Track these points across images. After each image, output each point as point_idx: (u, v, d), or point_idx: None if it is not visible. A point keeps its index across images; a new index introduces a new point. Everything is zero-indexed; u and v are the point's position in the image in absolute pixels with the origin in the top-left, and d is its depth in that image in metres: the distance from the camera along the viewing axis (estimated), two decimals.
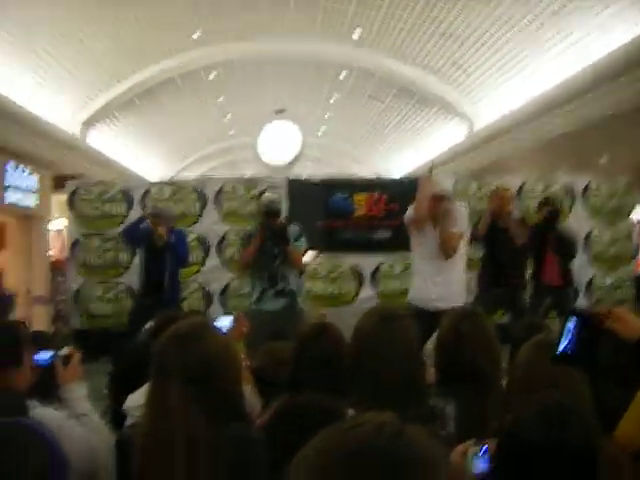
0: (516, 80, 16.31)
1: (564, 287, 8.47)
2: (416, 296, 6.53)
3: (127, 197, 9.65)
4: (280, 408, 2.54)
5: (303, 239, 7.01)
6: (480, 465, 2.16)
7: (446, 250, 6.45)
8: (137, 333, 5.17)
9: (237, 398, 2.39)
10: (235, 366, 2.43)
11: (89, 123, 19.12)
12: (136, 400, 2.99)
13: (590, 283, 10.03)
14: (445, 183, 6.85)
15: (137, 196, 9.66)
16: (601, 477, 2.12)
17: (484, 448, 2.18)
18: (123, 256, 9.58)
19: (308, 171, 24.91)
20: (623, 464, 2.50)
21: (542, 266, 8.31)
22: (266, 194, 7.29)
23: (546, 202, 8.66)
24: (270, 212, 6.92)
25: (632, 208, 10.66)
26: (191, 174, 26.21)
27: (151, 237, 8.04)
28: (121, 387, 3.49)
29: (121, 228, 9.47)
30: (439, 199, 6.53)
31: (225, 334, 2.68)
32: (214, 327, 2.58)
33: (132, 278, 9.39)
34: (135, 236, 8.29)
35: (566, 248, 8.41)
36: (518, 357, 2.75)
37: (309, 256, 8.81)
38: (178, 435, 2.18)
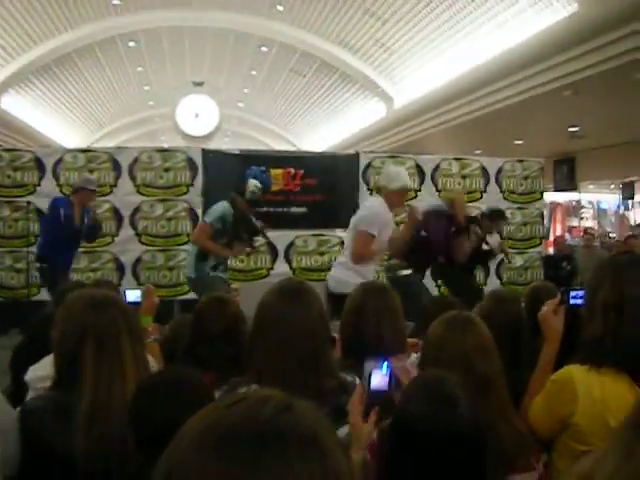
0: (437, 61, 16.46)
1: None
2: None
3: (39, 165, 9.41)
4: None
5: None
6: (379, 381, 2.22)
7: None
8: None
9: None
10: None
11: (2, 88, 18.55)
12: (38, 372, 2.93)
13: (500, 263, 10.22)
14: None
15: (50, 164, 9.42)
16: (497, 456, 2.17)
17: (386, 363, 2.23)
18: (34, 225, 9.34)
19: (227, 145, 24.69)
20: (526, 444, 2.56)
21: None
22: (249, 180, 7.18)
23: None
24: (253, 202, 6.99)
25: (543, 190, 10.90)
26: (110, 144, 25.68)
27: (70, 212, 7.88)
28: (24, 359, 3.41)
29: (32, 197, 9.28)
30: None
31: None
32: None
33: None
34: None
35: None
36: (429, 333, 2.77)
37: None
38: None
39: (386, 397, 2.25)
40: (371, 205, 6.56)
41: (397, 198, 6.42)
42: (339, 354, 3.12)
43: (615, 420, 2.42)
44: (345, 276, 6.23)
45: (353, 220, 6.43)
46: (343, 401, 2.55)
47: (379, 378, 2.26)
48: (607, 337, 2.56)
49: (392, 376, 2.25)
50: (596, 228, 19.81)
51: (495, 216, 8.28)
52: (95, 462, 2.28)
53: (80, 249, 8.80)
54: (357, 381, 2.70)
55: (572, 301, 2.98)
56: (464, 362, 2.51)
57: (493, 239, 8.29)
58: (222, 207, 6.89)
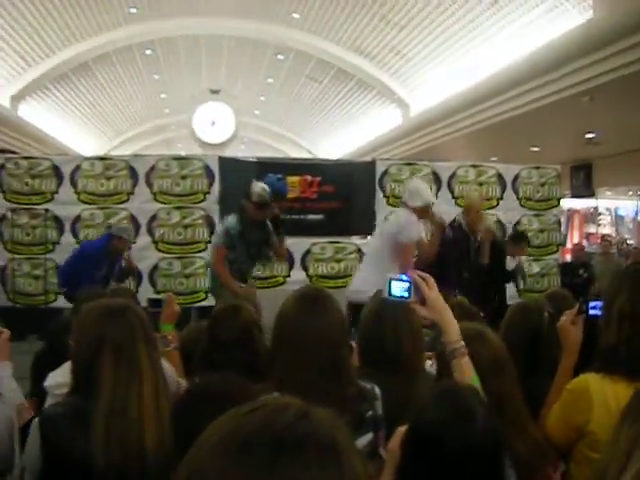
0: (453, 68, 16.45)
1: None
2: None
3: (57, 172, 9.46)
4: (187, 389, 2.55)
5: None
6: (399, 287, 2.34)
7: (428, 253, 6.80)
8: None
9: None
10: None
11: (20, 96, 18.69)
12: (57, 378, 2.95)
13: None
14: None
15: (68, 171, 9.48)
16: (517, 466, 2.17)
17: (405, 276, 2.34)
18: (52, 233, 9.39)
19: (243, 152, 24.77)
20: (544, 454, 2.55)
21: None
22: (255, 183, 7.15)
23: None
24: (264, 204, 6.76)
25: (560, 197, 10.86)
26: (126, 152, 25.77)
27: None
28: (44, 366, 3.44)
29: (49, 205, 9.35)
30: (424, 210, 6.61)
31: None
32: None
33: (61, 255, 9.24)
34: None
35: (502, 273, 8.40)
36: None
37: None
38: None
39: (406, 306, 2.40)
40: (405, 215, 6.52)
41: (418, 214, 6.45)
42: (357, 362, 3.13)
43: None
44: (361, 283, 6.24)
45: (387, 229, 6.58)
46: (363, 409, 2.55)
47: (399, 285, 2.36)
48: (621, 346, 2.58)
49: (411, 283, 2.29)
50: (614, 235, 19.71)
51: (519, 239, 8.36)
52: (113, 466, 2.30)
53: None
54: (376, 389, 2.70)
55: (591, 312, 2.96)
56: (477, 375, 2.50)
57: (514, 262, 8.33)
58: (225, 222, 6.94)
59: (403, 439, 2.06)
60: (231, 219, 6.85)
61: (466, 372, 2.32)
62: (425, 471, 1.92)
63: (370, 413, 2.61)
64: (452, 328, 2.37)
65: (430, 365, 3.35)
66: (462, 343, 2.35)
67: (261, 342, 3.17)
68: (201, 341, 3.34)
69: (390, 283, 2.40)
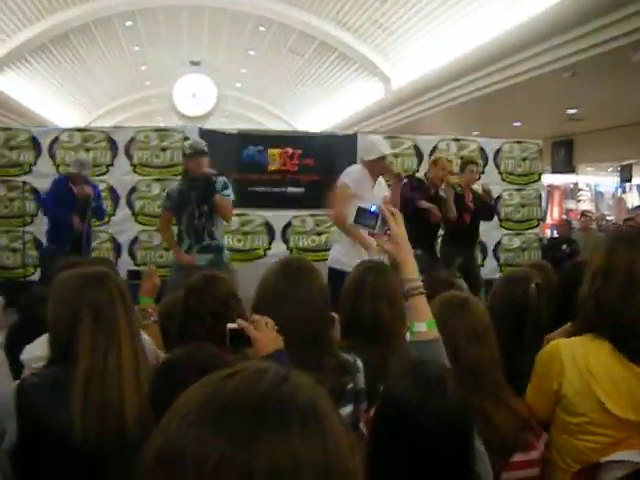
0: (435, 42, 16.38)
1: (472, 245, 8.86)
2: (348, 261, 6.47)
3: (35, 144, 9.37)
4: (163, 360, 2.51)
5: (230, 190, 6.82)
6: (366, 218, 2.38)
7: None
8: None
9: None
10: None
11: None
12: (34, 351, 2.91)
13: (498, 244, 10.24)
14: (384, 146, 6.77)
15: (46, 143, 9.39)
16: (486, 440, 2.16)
17: (375, 206, 2.38)
18: (30, 205, 9.32)
19: (224, 125, 24.63)
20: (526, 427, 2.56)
21: (459, 226, 8.33)
22: (186, 142, 7.08)
23: (470, 161, 8.80)
24: (197, 152, 6.61)
25: (541, 172, 10.88)
26: (106, 124, 25.54)
27: (72, 195, 8.06)
28: (18, 339, 3.40)
29: (27, 178, 9.27)
30: (394, 173, 6.66)
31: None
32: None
33: (39, 228, 9.19)
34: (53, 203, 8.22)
35: (484, 210, 8.62)
36: None
37: None
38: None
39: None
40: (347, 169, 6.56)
41: (376, 167, 6.40)
42: (339, 334, 3.12)
43: (601, 389, 2.45)
44: (341, 255, 6.21)
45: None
46: (344, 381, 2.54)
47: (366, 215, 2.38)
48: (588, 301, 2.60)
49: (379, 215, 2.30)
50: (593, 211, 19.81)
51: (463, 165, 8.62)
52: (91, 437, 2.26)
53: None
54: (358, 361, 2.69)
55: None
56: (454, 347, 2.49)
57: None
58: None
59: (372, 416, 2.06)
60: (173, 185, 6.90)
61: (422, 311, 2.29)
62: (396, 447, 1.90)
63: (351, 385, 2.60)
64: (411, 266, 2.35)
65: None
66: (420, 283, 2.33)
67: (238, 312, 3.14)
68: (177, 313, 3.32)
69: (358, 211, 2.39)
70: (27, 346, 3.04)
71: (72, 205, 8.05)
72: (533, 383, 2.75)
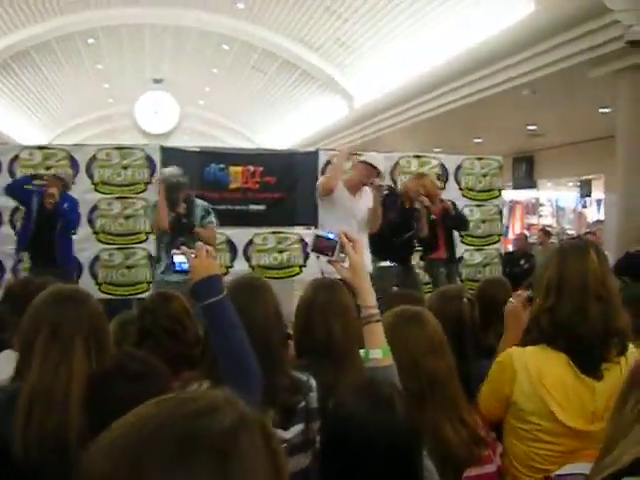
0: (396, 60, 16.52)
1: (452, 260, 9.21)
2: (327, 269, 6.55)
3: None
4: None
5: (212, 215, 7.16)
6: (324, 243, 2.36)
7: (376, 222, 6.85)
8: None
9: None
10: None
11: None
12: None
13: (460, 260, 10.29)
14: (380, 162, 6.92)
15: (5, 161, 9.29)
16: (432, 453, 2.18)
17: (331, 234, 2.36)
18: None
19: (187, 143, 24.61)
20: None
21: (434, 241, 8.76)
22: (166, 168, 7.33)
23: (423, 175, 9.06)
24: (172, 186, 6.94)
25: (502, 188, 10.98)
26: (69, 141, 25.35)
27: (41, 198, 8.02)
28: None
29: None
30: (374, 172, 6.75)
31: None
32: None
33: (1, 248, 9.11)
34: (19, 191, 8.19)
35: (457, 223, 9.07)
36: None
37: None
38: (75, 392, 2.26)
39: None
40: None
41: (362, 172, 6.73)
42: (293, 353, 3.13)
43: (550, 397, 2.49)
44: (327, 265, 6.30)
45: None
46: (295, 400, 2.55)
47: (324, 242, 2.37)
48: (543, 314, 2.64)
49: (337, 243, 2.32)
50: (555, 226, 20.00)
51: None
52: (31, 455, 2.19)
53: None
54: (311, 380, 2.70)
55: None
56: (411, 360, 2.51)
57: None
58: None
59: (320, 433, 2.07)
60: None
61: (377, 339, 2.31)
62: (342, 464, 1.90)
63: (302, 404, 2.61)
64: (368, 294, 2.36)
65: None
66: (376, 311, 2.35)
67: (192, 330, 3.14)
68: (131, 333, 3.31)
69: (315, 238, 2.40)
70: None
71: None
72: (486, 387, 2.80)
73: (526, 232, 18.47)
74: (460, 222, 9.16)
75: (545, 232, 14.21)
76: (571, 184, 20.43)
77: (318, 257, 2.43)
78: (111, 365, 2.30)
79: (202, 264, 2.32)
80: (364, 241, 6.76)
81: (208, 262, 2.34)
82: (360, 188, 6.88)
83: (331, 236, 2.36)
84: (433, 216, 8.64)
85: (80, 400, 2.26)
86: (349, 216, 6.66)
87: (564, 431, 2.50)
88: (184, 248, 2.39)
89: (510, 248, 13.84)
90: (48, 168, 9.27)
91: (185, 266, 2.42)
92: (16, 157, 9.30)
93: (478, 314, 3.41)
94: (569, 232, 19.10)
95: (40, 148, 9.67)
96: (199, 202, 7.28)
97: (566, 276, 2.63)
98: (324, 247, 2.38)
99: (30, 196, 8.14)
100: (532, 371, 2.57)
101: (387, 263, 8.04)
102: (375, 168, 6.76)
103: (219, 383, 2.22)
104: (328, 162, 9.91)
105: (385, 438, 1.88)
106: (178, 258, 2.47)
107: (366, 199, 6.88)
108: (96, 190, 9.36)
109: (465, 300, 3.34)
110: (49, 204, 8.03)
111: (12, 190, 8.44)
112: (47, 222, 8.08)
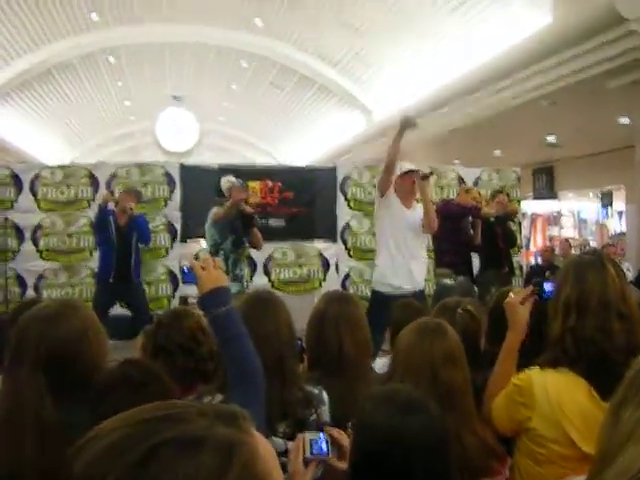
0: (415, 73, 16.52)
1: (509, 273, 9.43)
2: (384, 281, 6.56)
3: (17, 181, 9.40)
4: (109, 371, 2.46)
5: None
6: (317, 447, 2.19)
7: (432, 222, 6.69)
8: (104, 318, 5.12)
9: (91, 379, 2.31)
10: (91, 350, 2.39)
11: None
12: None
13: None
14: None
15: (27, 179, 9.42)
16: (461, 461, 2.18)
17: (321, 434, 2.22)
18: (12, 241, 9.32)
19: (208, 159, 24.72)
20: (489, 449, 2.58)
21: (496, 255, 9.04)
22: (223, 177, 7.56)
23: (499, 191, 9.42)
24: (234, 187, 7.34)
25: (520, 199, 10.96)
26: (91, 159, 25.54)
27: (115, 217, 8.23)
28: None
29: (8, 214, 9.27)
30: (418, 175, 6.83)
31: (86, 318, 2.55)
32: (76, 308, 2.52)
33: (22, 264, 9.26)
34: (103, 225, 8.31)
35: (512, 239, 9.52)
36: (399, 340, 2.78)
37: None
38: (27, 420, 2.13)
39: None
40: None
41: (407, 184, 6.77)
42: (306, 366, 3.14)
43: (570, 425, 2.44)
44: (381, 276, 6.54)
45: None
46: (306, 414, 2.56)
47: (318, 445, 2.25)
48: (566, 336, 2.58)
49: (328, 441, 2.24)
50: (577, 237, 19.88)
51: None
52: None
53: (58, 263, 8.98)
54: (323, 394, 2.71)
55: (547, 294, 2.90)
56: (431, 370, 2.52)
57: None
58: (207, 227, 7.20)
59: (350, 449, 2.07)
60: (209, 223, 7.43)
61: None
62: (373, 471, 1.91)
63: (314, 418, 2.62)
64: None
65: (382, 366, 3.36)
66: None
67: (207, 346, 3.16)
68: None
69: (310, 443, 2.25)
70: None
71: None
72: (502, 406, 2.75)
73: (548, 244, 18.41)
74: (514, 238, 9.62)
75: (567, 244, 14.14)
76: (592, 195, 20.32)
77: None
78: (112, 373, 2.31)
79: (209, 276, 2.35)
80: (422, 256, 6.77)
81: (215, 274, 2.36)
82: (412, 199, 6.81)
83: (320, 436, 2.23)
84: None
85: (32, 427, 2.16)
86: (403, 227, 6.62)
87: (584, 457, 2.45)
88: (192, 260, 2.41)
89: (532, 261, 13.78)
90: (69, 186, 9.39)
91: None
92: (37, 176, 9.44)
93: (488, 325, 3.39)
94: (591, 244, 18.99)
95: (61, 167, 9.80)
96: None
97: (586, 293, 2.58)
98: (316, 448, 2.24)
99: (107, 219, 8.21)
100: (552, 397, 2.52)
101: (449, 281, 8.02)
102: (416, 170, 6.72)
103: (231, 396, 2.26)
104: (346, 177, 9.95)
105: (421, 439, 1.90)
106: (187, 268, 2.50)
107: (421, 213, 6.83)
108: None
109: (459, 311, 3.34)
110: (128, 215, 8.23)
111: (100, 228, 8.52)
112: (124, 239, 8.20)
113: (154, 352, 3.17)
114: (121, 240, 8.19)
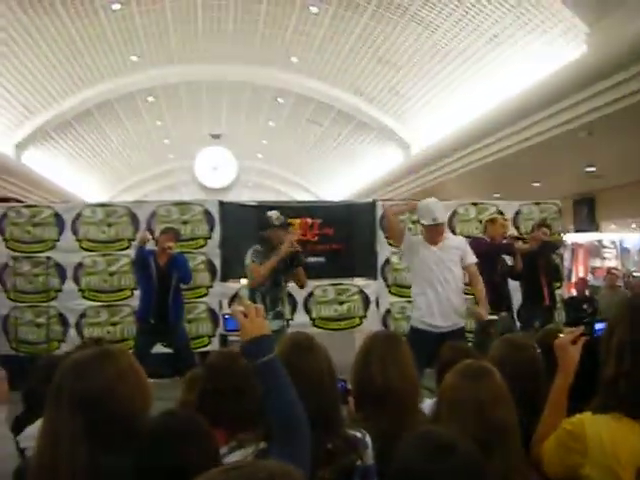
0: (452, 107, 16.55)
1: (552, 307, 9.27)
2: (423, 319, 6.53)
3: (58, 220, 9.50)
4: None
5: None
6: None
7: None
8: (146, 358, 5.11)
9: (130, 426, 2.22)
10: (129, 395, 2.30)
11: (24, 144, 18.88)
12: (32, 432, 2.88)
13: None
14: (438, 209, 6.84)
15: (69, 219, 9.52)
16: None
17: None
18: (54, 281, 9.41)
19: (246, 196, 24.90)
20: None
21: (538, 288, 8.95)
22: (268, 213, 7.52)
23: (542, 224, 9.26)
24: (283, 224, 7.22)
25: (562, 232, 10.85)
26: (131, 197, 25.86)
27: (155, 257, 8.19)
28: (24, 416, 3.39)
29: (51, 253, 9.37)
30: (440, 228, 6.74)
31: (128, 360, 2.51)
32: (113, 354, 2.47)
33: (64, 303, 9.32)
34: (144, 265, 8.27)
35: (555, 272, 9.46)
36: (444, 382, 2.75)
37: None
38: (62, 465, 2.11)
39: None
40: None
41: (430, 233, 6.61)
42: (352, 408, 3.11)
43: (626, 472, 2.35)
44: (420, 314, 6.57)
45: None
46: (352, 459, 2.52)
47: None
48: (621, 380, 2.49)
49: None
50: (620, 268, 19.63)
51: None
52: None
53: (100, 302, 9.05)
54: (367, 438, 2.67)
55: (598, 333, 2.80)
56: (479, 412, 2.48)
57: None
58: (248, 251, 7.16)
59: None
60: (250, 253, 7.14)
61: None
62: None
63: (359, 463, 2.58)
64: None
65: (430, 404, 3.31)
66: None
67: (258, 388, 3.13)
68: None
69: None
70: (28, 427, 3.02)
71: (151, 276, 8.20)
72: (553, 451, 2.66)
73: (591, 276, 18.20)
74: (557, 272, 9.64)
75: (614, 275, 13.92)
76: (635, 225, 20.09)
77: None
78: (156, 421, 2.27)
79: (252, 324, 2.32)
80: (460, 289, 6.75)
81: (258, 322, 2.34)
82: (438, 239, 6.71)
83: None
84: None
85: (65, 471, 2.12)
86: (432, 263, 6.58)
87: None
88: (234, 308, 2.39)
89: (574, 292, 13.61)
90: (110, 225, 9.48)
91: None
92: (79, 215, 9.53)
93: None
94: (635, 274, 18.73)
95: (101, 205, 9.89)
96: None
97: None
98: None
99: (147, 260, 8.23)
100: (607, 444, 2.41)
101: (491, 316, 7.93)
102: (435, 225, 6.66)
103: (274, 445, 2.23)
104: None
105: None
106: (230, 316, 2.48)
107: (450, 246, 6.78)
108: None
109: (538, 351, 3.27)
110: (167, 255, 8.19)
111: (140, 269, 8.46)
112: (164, 279, 8.20)
113: (204, 396, 3.14)
114: (162, 280, 8.17)
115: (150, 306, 8.17)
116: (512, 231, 9.40)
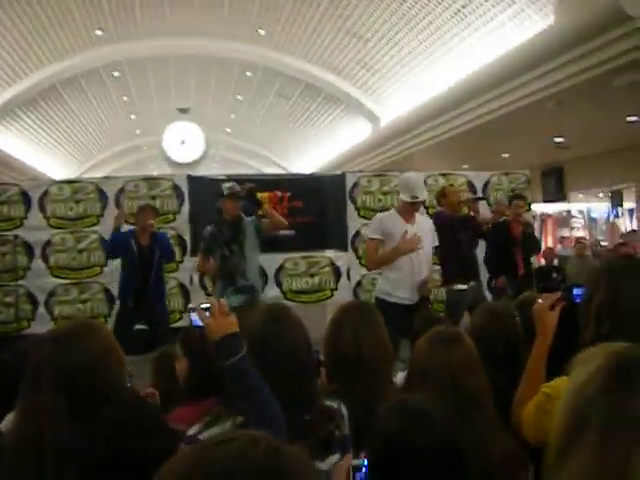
0: (420, 79, 16.53)
1: (528, 276, 9.23)
2: (395, 292, 6.50)
3: (25, 198, 9.39)
4: None
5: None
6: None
7: None
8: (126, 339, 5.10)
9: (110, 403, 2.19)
10: (109, 373, 2.28)
11: None
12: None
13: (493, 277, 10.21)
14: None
15: (36, 196, 9.41)
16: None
17: (365, 462, 2.13)
18: (22, 259, 9.31)
19: (215, 171, 24.77)
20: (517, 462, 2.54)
21: (510, 257, 8.96)
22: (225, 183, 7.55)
23: (517, 196, 9.39)
24: (231, 194, 7.21)
25: (531, 202, 10.91)
26: (99, 174, 25.63)
27: (136, 236, 8.08)
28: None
29: (18, 231, 9.27)
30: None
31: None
32: (94, 330, 2.44)
33: (32, 282, 9.22)
34: (120, 246, 8.17)
35: (534, 243, 9.53)
36: (416, 350, 2.75)
37: None
38: (47, 446, 2.08)
39: None
40: (378, 215, 7.02)
41: (406, 208, 6.59)
42: (324, 380, 3.11)
43: None
44: (386, 285, 6.53)
45: None
46: (329, 430, 2.52)
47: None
48: (600, 343, 2.51)
49: None
50: (588, 237, 19.80)
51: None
52: None
53: (69, 280, 8.97)
54: (342, 408, 2.67)
55: (576, 299, 2.83)
56: (450, 379, 2.50)
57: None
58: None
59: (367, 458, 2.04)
60: (206, 229, 7.25)
61: None
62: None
63: (337, 434, 2.58)
64: None
65: (403, 380, 3.32)
66: None
67: None
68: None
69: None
70: (8, 415, 2.98)
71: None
72: (531, 415, 2.67)
73: (559, 245, 18.39)
74: (535, 243, 9.70)
75: (582, 244, 14.07)
76: (602, 195, 20.27)
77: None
78: (123, 410, 2.23)
79: (217, 323, 2.28)
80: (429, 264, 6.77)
81: (223, 320, 2.29)
82: (412, 215, 6.68)
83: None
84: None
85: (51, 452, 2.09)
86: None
87: None
88: (199, 312, 2.34)
89: (543, 262, 13.72)
90: (78, 202, 9.39)
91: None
92: (46, 192, 9.43)
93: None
94: (602, 243, 18.92)
95: (69, 182, 9.79)
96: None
97: (620, 300, 2.49)
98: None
99: (127, 240, 8.13)
100: None
101: (460, 285, 7.92)
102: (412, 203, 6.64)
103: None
104: (355, 184, 9.90)
105: (427, 452, 1.88)
106: (195, 316, 2.42)
107: (423, 223, 6.78)
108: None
109: (517, 319, 3.30)
110: (149, 233, 8.11)
111: (114, 251, 8.42)
112: (147, 259, 8.10)
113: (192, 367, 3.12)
114: (144, 260, 8.06)
115: (130, 289, 8.11)
116: (467, 194, 9.35)
